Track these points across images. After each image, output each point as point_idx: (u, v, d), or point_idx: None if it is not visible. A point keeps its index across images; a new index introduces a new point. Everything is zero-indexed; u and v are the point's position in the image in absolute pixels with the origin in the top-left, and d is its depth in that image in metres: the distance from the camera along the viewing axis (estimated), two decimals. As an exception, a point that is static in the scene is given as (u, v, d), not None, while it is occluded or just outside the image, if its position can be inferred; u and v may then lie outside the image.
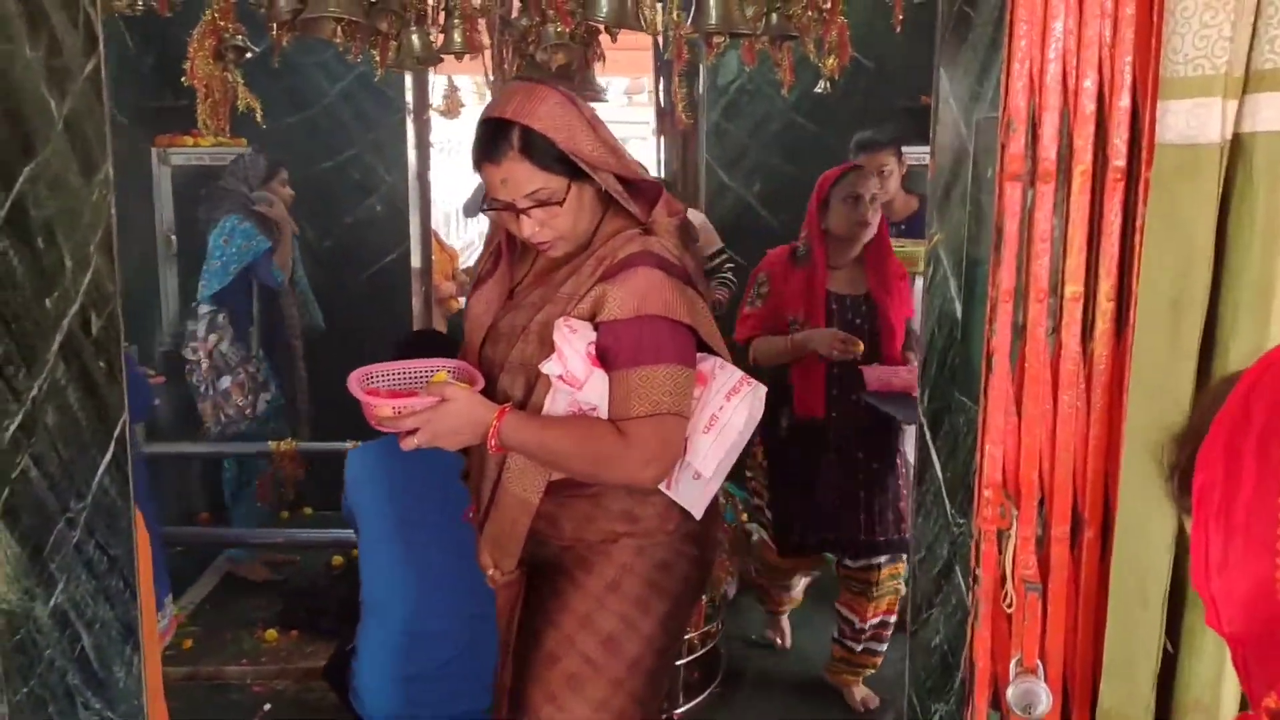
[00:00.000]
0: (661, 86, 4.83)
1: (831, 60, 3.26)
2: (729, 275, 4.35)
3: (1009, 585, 1.41)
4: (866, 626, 3.24)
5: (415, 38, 3.07)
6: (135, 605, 1.84)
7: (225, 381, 4.13)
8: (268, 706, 3.37)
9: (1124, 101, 1.28)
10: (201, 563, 4.37)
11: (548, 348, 1.82)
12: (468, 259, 6.64)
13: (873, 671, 3.37)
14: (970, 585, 1.46)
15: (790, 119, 4.75)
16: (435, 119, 5.15)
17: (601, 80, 7.51)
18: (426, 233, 5.15)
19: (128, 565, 1.81)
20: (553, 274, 1.94)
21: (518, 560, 1.98)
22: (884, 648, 3.31)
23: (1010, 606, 1.41)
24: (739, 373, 1.92)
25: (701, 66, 4.67)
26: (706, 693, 3.39)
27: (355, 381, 1.90)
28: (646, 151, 6.32)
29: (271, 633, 3.79)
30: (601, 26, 3.06)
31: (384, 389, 1.94)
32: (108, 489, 1.73)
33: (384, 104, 4.73)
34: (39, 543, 1.52)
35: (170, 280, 4.49)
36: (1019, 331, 1.36)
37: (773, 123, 4.77)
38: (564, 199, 1.83)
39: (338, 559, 4.13)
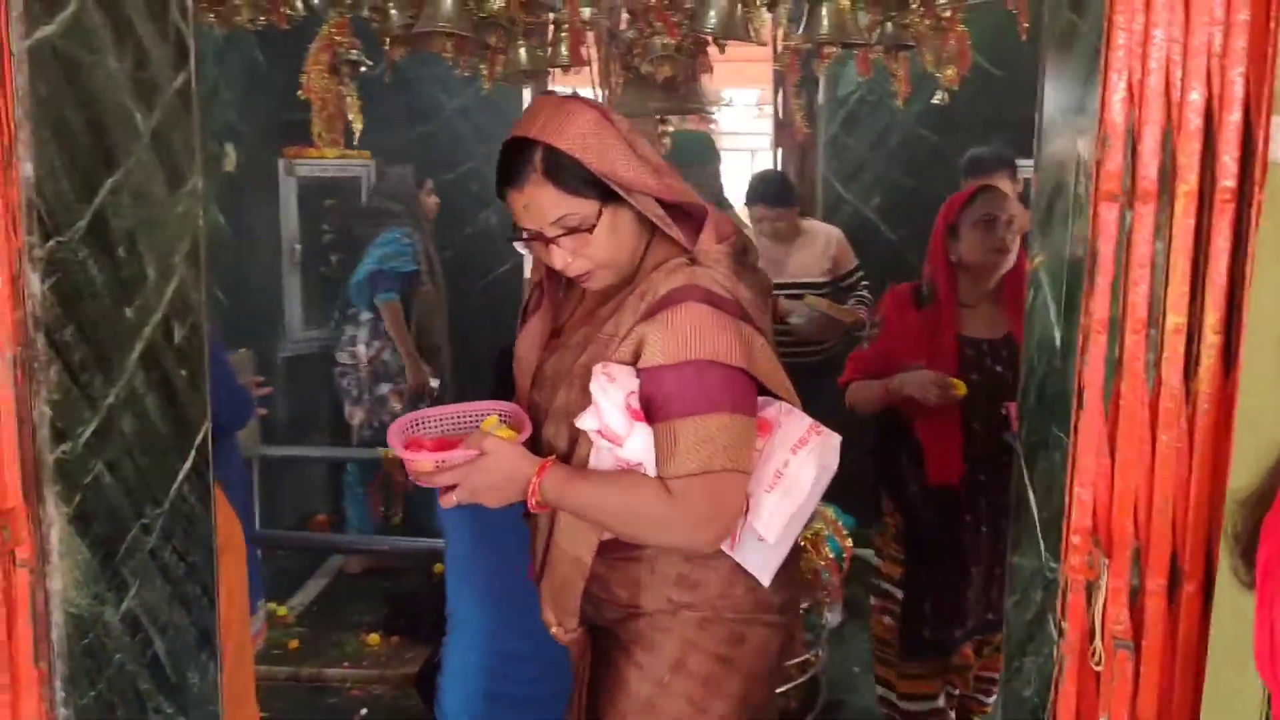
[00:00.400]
0: (780, 98, 4.74)
1: (950, 70, 3.13)
2: (865, 293, 4.24)
3: (1098, 641, 1.29)
4: (972, 679, 3.07)
5: (523, 51, 3.07)
6: (213, 612, 1.85)
7: (384, 388, 4.28)
8: (364, 711, 3.41)
9: (1234, 116, 1.16)
10: (313, 564, 4.47)
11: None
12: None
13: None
14: (1056, 638, 1.35)
15: (913, 131, 4.60)
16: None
17: (728, 92, 7.44)
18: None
19: (207, 572, 1.82)
20: (598, 310, 1.76)
21: (578, 619, 1.84)
22: (991, 699, 3.13)
23: (1099, 664, 1.29)
24: (807, 420, 1.73)
25: (821, 77, 4.58)
26: (803, 724, 3.29)
27: (396, 432, 1.78)
28: (765, 164, 6.23)
29: (374, 637, 3.84)
30: (709, 38, 3.01)
31: (431, 436, 1.81)
32: (187, 496, 1.75)
33: (500, 118, 4.76)
34: (111, 548, 1.55)
35: (293, 288, 4.62)
36: (1114, 365, 1.25)
37: (893, 134, 4.63)
38: (594, 225, 1.65)
39: (439, 566, 4.17)
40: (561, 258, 1.69)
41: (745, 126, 10.26)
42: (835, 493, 3.97)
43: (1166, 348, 1.22)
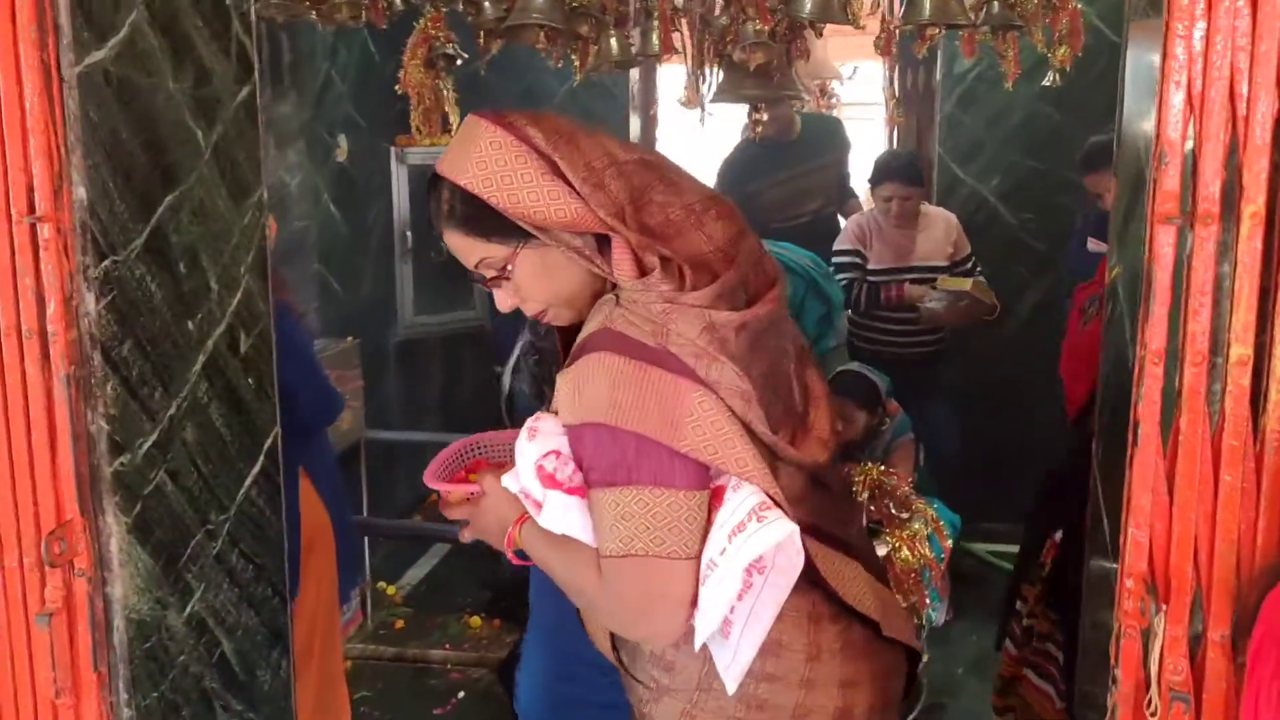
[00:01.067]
0: (890, 78, 4.59)
1: (1063, 50, 2.97)
2: (982, 279, 4.12)
3: (1153, 691, 1.21)
4: None
5: (614, 41, 3.04)
6: (285, 611, 1.91)
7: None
8: (460, 695, 3.48)
9: (1309, 129, 1.05)
10: (424, 544, 4.57)
11: None
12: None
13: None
14: (1110, 687, 1.26)
15: (1034, 108, 4.39)
16: (665, 112, 5.16)
17: (853, 65, 7.22)
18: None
19: (277, 572, 1.87)
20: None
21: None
22: None
23: (1155, 716, 1.21)
24: (756, 497, 1.37)
25: (939, 53, 4.41)
26: (901, 725, 3.21)
27: (441, 462, 1.70)
28: (880, 143, 6.05)
29: (476, 619, 3.91)
30: (805, 22, 2.92)
31: (495, 460, 1.71)
32: (255, 500, 1.80)
33: (609, 100, 4.75)
34: (173, 554, 1.60)
35: (406, 275, 4.70)
36: (1173, 398, 1.15)
37: (1014, 113, 4.43)
38: (508, 269, 1.47)
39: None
40: (502, 300, 1.53)
41: (873, 97, 10.00)
42: (940, 489, 3.88)
43: (1230, 380, 1.12)
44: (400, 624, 3.92)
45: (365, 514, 4.12)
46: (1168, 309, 1.14)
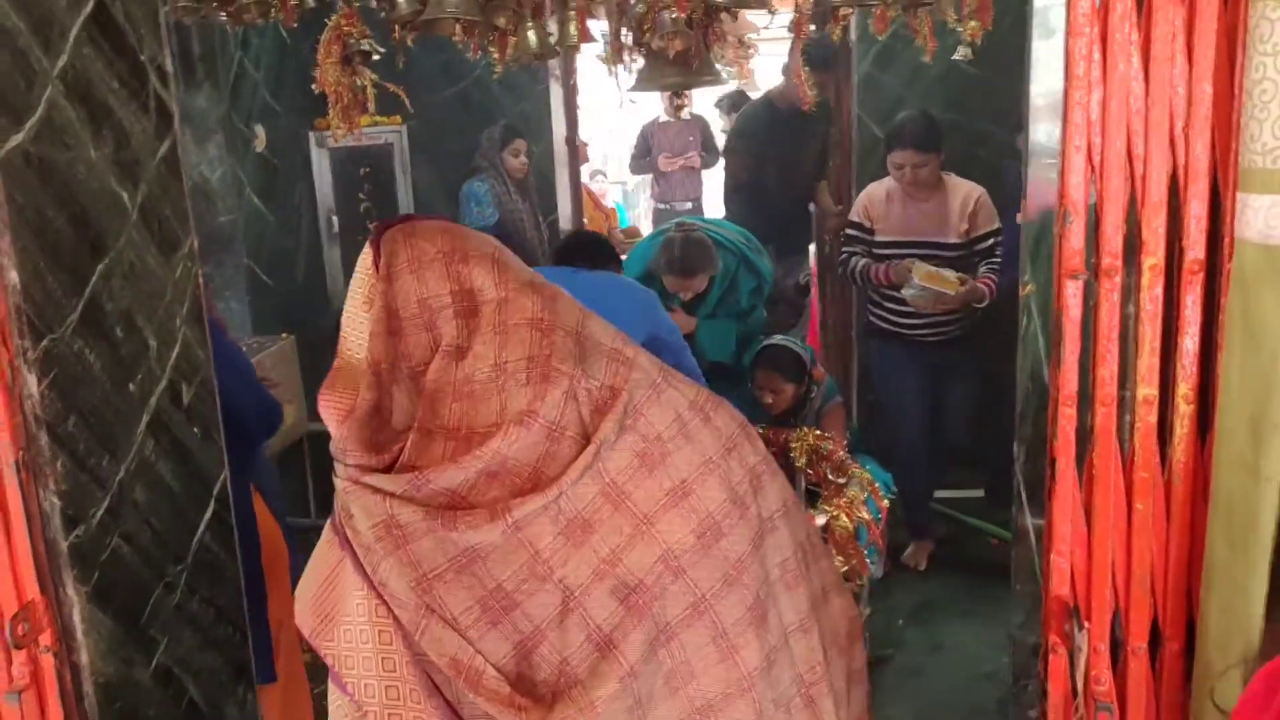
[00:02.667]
0: (796, 51, 4.60)
1: (973, 24, 3.02)
2: (998, 260, 3.74)
3: (1080, 700, 1.30)
4: None
5: (532, 33, 3.03)
6: (247, 646, 1.94)
7: None
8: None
9: (1201, 188, 1.12)
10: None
11: None
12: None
13: None
14: (1040, 698, 1.36)
15: (949, 64, 4.45)
16: (585, 83, 5.15)
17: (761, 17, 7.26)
18: (577, 196, 5.16)
19: (235, 611, 1.90)
20: None
21: None
22: None
23: (1081, 724, 1.31)
24: None
25: (853, 14, 4.43)
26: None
27: None
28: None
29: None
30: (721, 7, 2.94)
31: None
32: (209, 545, 1.82)
33: (530, 72, 4.71)
34: (134, 613, 1.62)
35: (335, 261, 4.66)
36: (1085, 436, 1.23)
37: (930, 69, 4.48)
38: None
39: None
40: None
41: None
42: (873, 448, 4.00)
43: (1138, 418, 1.20)
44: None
45: (313, 512, 4.13)
46: (1077, 356, 1.21)
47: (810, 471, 3.66)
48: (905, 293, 3.73)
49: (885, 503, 3.50)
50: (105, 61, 1.55)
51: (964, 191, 3.80)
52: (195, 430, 1.79)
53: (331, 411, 1.45)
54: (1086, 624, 1.28)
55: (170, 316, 1.72)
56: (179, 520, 1.74)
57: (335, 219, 4.64)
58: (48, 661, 1.48)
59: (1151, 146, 1.12)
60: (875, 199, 3.91)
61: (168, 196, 1.71)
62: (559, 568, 1.37)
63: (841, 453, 3.54)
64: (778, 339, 3.98)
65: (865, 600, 3.47)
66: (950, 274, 3.74)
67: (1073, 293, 1.19)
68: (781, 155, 4.96)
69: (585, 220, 5.23)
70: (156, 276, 1.69)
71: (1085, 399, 1.23)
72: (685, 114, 7.42)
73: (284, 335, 3.93)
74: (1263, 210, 1.06)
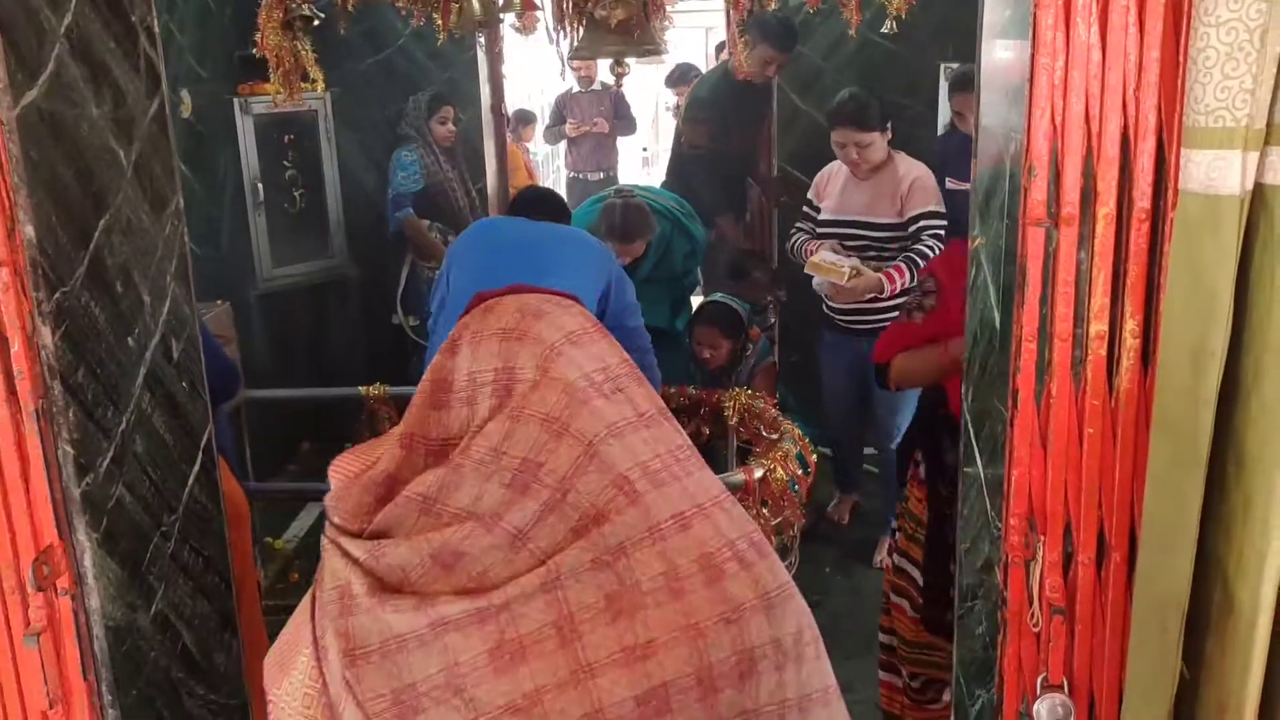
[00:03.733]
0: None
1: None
2: (929, 245, 3.59)
3: (1035, 607, 1.46)
4: None
5: (476, 0, 3.09)
6: (231, 596, 2.00)
7: None
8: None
9: (1149, 145, 1.27)
10: (304, 495, 4.60)
11: None
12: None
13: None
14: (999, 606, 1.51)
15: (866, 38, 4.62)
16: (509, 47, 5.19)
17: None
18: (503, 162, 5.22)
19: (221, 561, 1.96)
20: None
21: None
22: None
23: (1037, 627, 1.46)
24: None
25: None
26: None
27: None
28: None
29: (371, 566, 4.00)
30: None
31: None
32: (198, 497, 1.87)
33: (457, 41, 4.74)
34: (137, 559, 1.68)
35: (261, 228, 4.65)
36: (1043, 369, 1.38)
37: (849, 41, 4.64)
38: None
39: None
40: None
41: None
42: (799, 405, 4.16)
43: (1090, 352, 1.35)
44: (295, 577, 3.99)
45: (251, 475, 4.13)
46: (1039, 296, 1.35)
47: (742, 429, 3.82)
48: (816, 282, 3.71)
49: (814, 457, 3.68)
50: (103, 22, 1.59)
51: (905, 171, 3.71)
52: (184, 384, 1.84)
53: (338, 474, 1.48)
54: (1042, 537, 1.43)
55: (161, 273, 1.77)
56: (172, 471, 1.79)
57: (260, 186, 4.62)
58: (65, 604, 1.52)
59: (1107, 108, 1.27)
60: (824, 177, 3.87)
61: (158, 155, 1.75)
62: (473, 687, 1.30)
63: (773, 410, 3.71)
64: (718, 296, 4.12)
65: (795, 550, 3.64)
66: (846, 264, 3.65)
67: (1036, 239, 1.33)
68: (740, 123, 5.03)
69: (509, 188, 5.29)
70: (149, 233, 1.73)
71: (1044, 338, 1.38)
72: (596, 84, 7.50)
73: (219, 302, 3.92)
74: (1204, 164, 1.21)
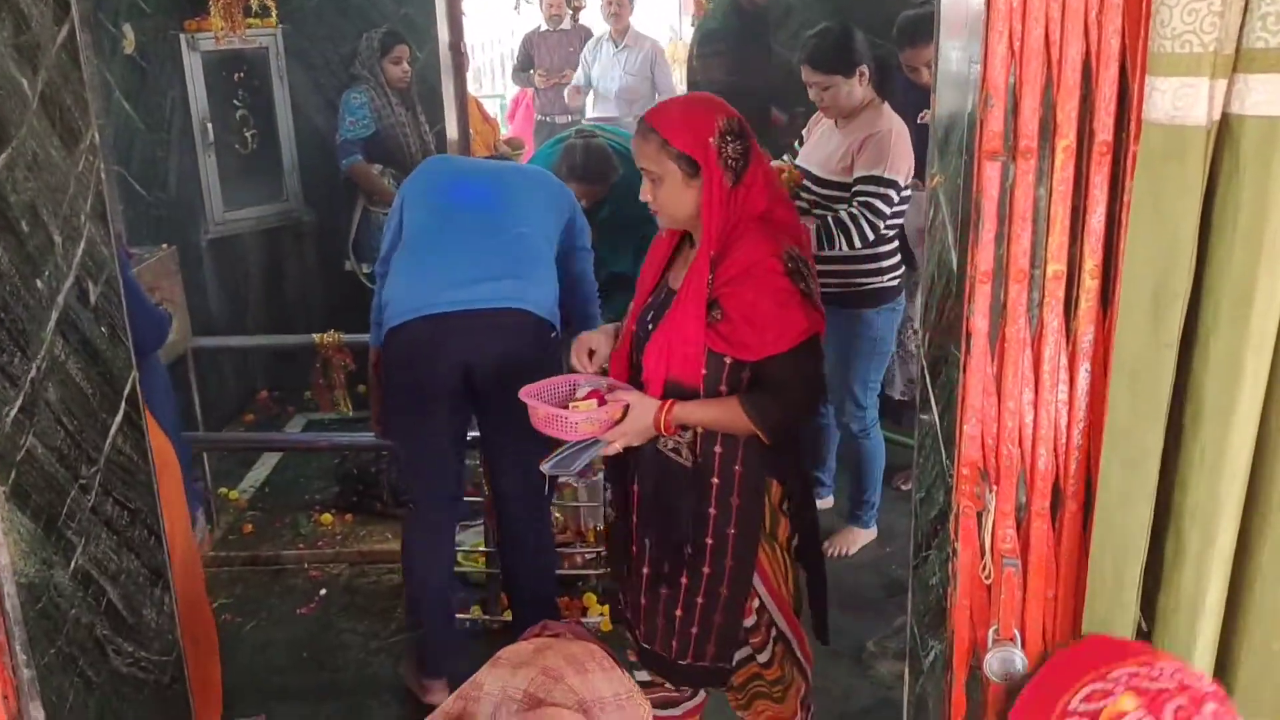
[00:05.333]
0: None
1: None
2: (861, 209, 3.19)
3: (987, 558, 1.40)
4: None
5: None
6: (162, 551, 1.92)
7: None
8: (323, 593, 3.54)
9: (1111, 73, 1.19)
10: (260, 445, 4.52)
11: None
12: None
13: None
14: (950, 556, 1.46)
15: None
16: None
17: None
18: (463, 105, 5.07)
19: (151, 514, 1.88)
20: None
21: None
22: None
23: (988, 579, 1.41)
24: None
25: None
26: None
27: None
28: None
29: (327, 516, 3.94)
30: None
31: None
32: (121, 448, 1.79)
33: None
34: (52, 514, 1.59)
35: (211, 170, 4.50)
36: (999, 311, 1.31)
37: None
38: None
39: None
40: None
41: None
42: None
43: (1047, 293, 1.29)
44: (249, 528, 3.92)
45: (200, 424, 4.04)
46: (994, 234, 1.28)
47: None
48: None
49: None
50: (-2, -62, 1.48)
51: (879, 127, 3.27)
52: (103, 330, 1.75)
53: None
54: (995, 486, 1.37)
55: (75, 212, 1.67)
56: (91, 421, 1.71)
57: (210, 126, 4.48)
58: (-31, 561, 1.44)
59: (1067, 32, 1.19)
60: (814, 119, 3.54)
61: (68, 85, 1.64)
62: None
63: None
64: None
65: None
66: None
67: (991, 173, 1.26)
68: (757, 55, 4.85)
69: (472, 132, 5.15)
70: (59, 169, 1.63)
71: (1000, 279, 1.31)
72: (566, 23, 7.31)
73: (164, 246, 3.79)
74: (1169, 92, 1.13)
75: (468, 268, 2.75)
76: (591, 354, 2.36)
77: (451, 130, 4.96)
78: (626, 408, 2.12)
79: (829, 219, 3.22)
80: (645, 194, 2.20)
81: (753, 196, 2.14)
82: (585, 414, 2.12)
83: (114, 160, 3.94)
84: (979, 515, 1.40)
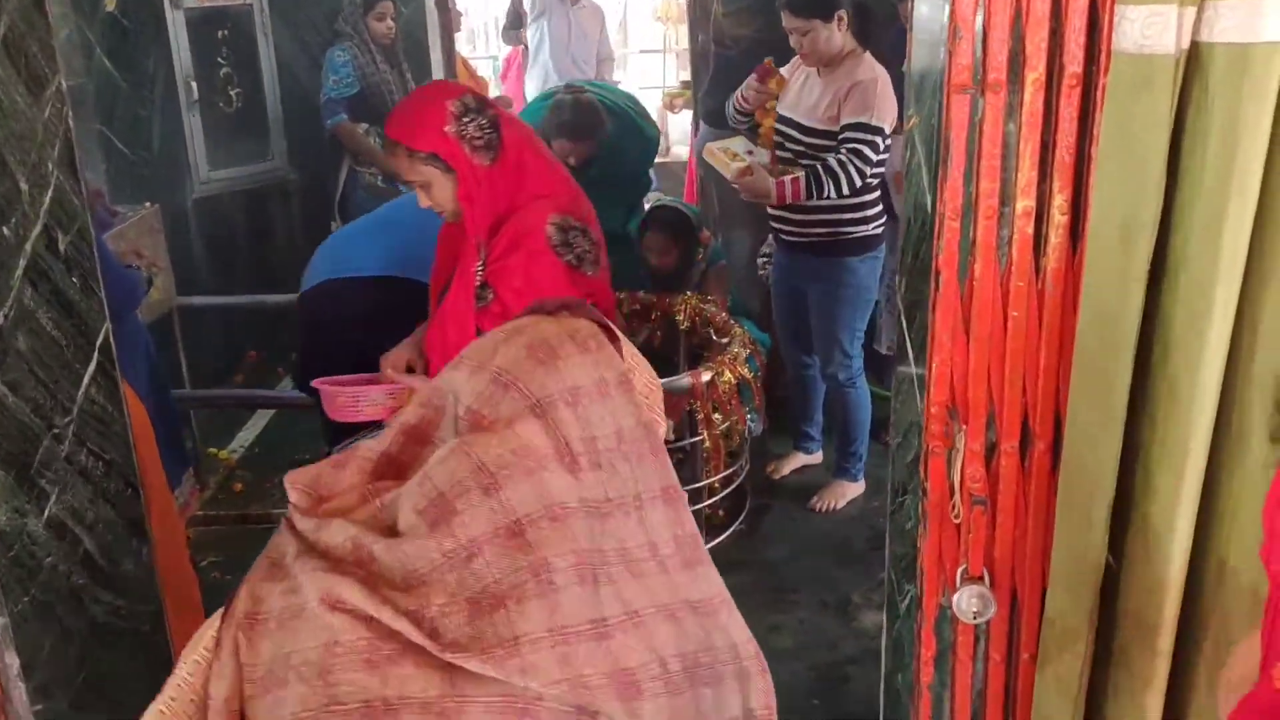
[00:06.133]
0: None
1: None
2: (849, 156, 3.15)
3: (957, 498, 1.40)
4: None
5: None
6: (139, 501, 1.92)
7: None
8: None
9: (1081, 2, 1.18)
10: (249, 403, 4.51)
11: None
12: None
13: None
14: (920, 497, 1.46)
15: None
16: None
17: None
18: (451, 63, 5.03)
19: (127, 466, 1.87)
20: None
21: None
22: None
23: (958, 518, 1.41)
24: None
25: None
26: (730, 530, 3.49)
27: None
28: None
29: (316, 475, 3.93)
30: None
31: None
32: (95, 398, 1.78)
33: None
34: (24, 463, 1.59)
35: (196, 129, 4.47)
36: (968, 249, 1.30)
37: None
38: None
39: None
40: None
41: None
42: (751, 311, 4.06)
43: (1016, 230, 1.28)
44: (239, 487, 3.92)
45: (187, 384, 4.03)
46: (963, 170, 1.27)
47: (693, 334, 3.75)
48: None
49: (764, 359, 3.62)
50: (-47, -124, 1.45)
51: (862, 75, 3.21)
52: (75, 280, 1.73)
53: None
54: (964, 426, 1.37)
55: (42, 160, 1.65)
56: (65, 371, 1.70)
57: (195, 85, 4.43)
58: (-62, 508, 1.44)
59: (1036, -38, 1.17)
60: (792, 65, 3.44)
61: (33, 31, 1.61)
62: (340, 672, 1.25)
63: (724, 314, 3.63)
64: (667, 200, 4.00)
65: (746, 455, 3.61)
66: (746, 159, 3.28)
67: (960, 108, 1.24)
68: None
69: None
70: (25, 116, 1.61)
71: (969, 216, 1.30)
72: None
73: (147, 205, 3.77)
74: (1139, 21, 1.12)
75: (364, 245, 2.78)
76: (410, 368, 2.28)
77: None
78: (411, 392, 2.06)
79: (818, 167, 3.18)
80: (422, 202, 2.13)
81: (526, 170, 2.08)
82: (368, 393, 2.16)
83: (97, 119, 3.90)
84: (948, 455, 1.40)
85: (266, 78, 4.73)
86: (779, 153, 3.39)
